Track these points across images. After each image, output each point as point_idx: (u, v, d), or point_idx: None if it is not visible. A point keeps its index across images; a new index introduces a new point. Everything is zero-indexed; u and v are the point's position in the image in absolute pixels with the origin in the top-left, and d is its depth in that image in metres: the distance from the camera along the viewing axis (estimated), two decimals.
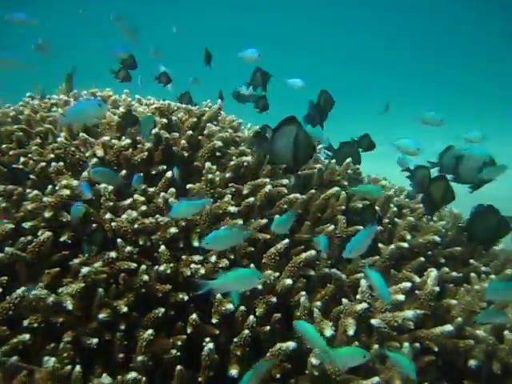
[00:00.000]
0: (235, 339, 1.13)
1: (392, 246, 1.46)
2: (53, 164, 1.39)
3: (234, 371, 1.09)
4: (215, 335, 1.17)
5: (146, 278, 1.12)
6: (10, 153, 1.53)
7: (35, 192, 1.25)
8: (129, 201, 1.32)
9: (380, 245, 1.51)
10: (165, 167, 1.55)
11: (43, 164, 1.41)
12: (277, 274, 1.24)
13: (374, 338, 1.22)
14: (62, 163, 1.41)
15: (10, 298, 0.99)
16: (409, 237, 1.56)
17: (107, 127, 1.65)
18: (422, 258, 1.50)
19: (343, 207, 1.62)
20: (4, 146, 1.56)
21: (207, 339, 1.13)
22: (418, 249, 1.58)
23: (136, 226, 1.21)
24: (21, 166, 1.42)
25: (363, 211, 1.68)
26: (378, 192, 1.72)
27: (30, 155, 1.47)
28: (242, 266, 1.29)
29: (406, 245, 1.51)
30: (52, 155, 1.45)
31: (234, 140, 1.87)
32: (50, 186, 1.29)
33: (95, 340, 1.02)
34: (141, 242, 1.21)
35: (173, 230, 1.24)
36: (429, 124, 2.81)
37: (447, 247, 1.69)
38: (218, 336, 1.19)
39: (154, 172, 1.56)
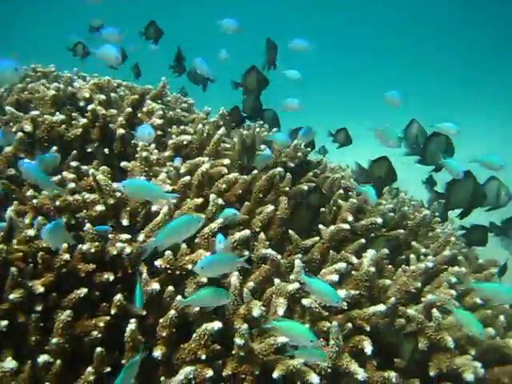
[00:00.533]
0: (161, 320, 1.09)
1: (332, 228, 1.45)
2: None
3: (157, 352, 1.06)
4: (142, 316, 1.13)
5: (66, 256, 1.07)
6: None
7: None
8: (56, 178, 1.26)
9: (321, 226, 1.50)
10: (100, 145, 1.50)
11: None
12: (208, 253, 1.21)
13: (306, 318, 1.20)
14: None
15: None
16: (350, 218, 1.54)
17: (41, 102, 1.57)
18: (363, 240, 1.49)
19: (287, 189, 1.60)
20: None
21: (132, 320, 1.09)
22: (360, 231, 1.57)
23: (58, 203, 1.15)
24: None
25: (309, 194, 1.67)
26: None
27: None
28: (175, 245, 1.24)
29: (347, 226, 1.50)
30: None
31: (179, 119, 1.82)
32: None
33: (4, 322, 0.96)
34: (64, 220, 1.15)
35: (99, 207, 1.18)
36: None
37: (392, 229, 1.70)
38: (147, 317, 1.15)
39: (89, 150, 1.49)
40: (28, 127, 1.38)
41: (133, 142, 1.53)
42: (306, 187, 1.67)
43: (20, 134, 1.32)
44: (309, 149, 2.01)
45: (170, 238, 1.03)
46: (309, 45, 2.79)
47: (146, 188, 1.13)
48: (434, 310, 1.23)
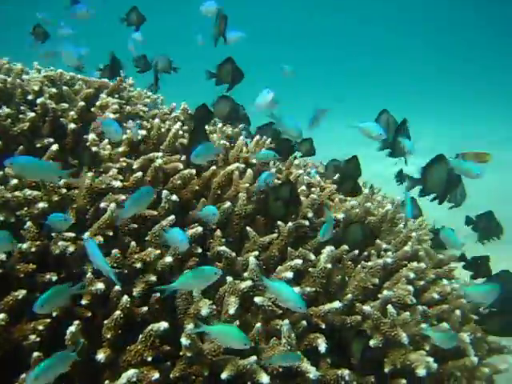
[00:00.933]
0: (105, 321, 1.05)
1: (290, 224, 1.42)
2: None
3: (100, 355, 1.01)
4: (87, 318, 1.08)
5: (1, 256, 1.01)
6: None
7: None
8: None
9: (279, 222, 1.47)
10: (51, 140, 1.43)
11: None
12: (158, 251, 1.16)
13: (259, 316, 1.17)
14: None
15: None
16: (310, 215, 1.52)
17: None
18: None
19: (247, 185, 1.57)
20: None
21: (76, 322, 1.04)
22: (319, 227, 1.55)
23: None
24: None
25: (272, 190, 1.64)
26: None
27: None
28: (124, 243, 1.20)
29: (306, 222, 1.48)
30: None
31: (138, 114, 1.76)
32: None
33: None
34: (1, 218, 1.09)
35: (42, 204, 1.13)
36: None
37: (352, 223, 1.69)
38: (94, 318, 1.10)
39: (38, 145, 1.43)
40: None
41: (85, 136, 1.47)
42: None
43: None
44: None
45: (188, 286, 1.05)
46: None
47: (38, 165, 1.07)
48: (389, 306, 1.21)
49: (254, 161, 1.74)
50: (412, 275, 1.38)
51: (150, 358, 1.02)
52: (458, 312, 1.35)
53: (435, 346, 1.20)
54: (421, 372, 1.10)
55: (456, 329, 1.33)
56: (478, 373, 1.35)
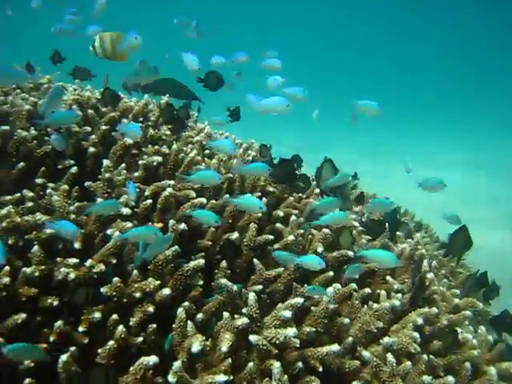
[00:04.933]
0: (99, 350, 1.07)
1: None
2: None
3: None
4: (83, 344, 1.10)
5: (6, 280, 1.06)
6: None
7: None
8: (14, 197, 1.26)
9: None
10: (72, 162, 1.49)
11: None
12: (157, 282, 1.18)
13: (253, 354, 1.16)
14: None
15: None
16: (320, 249, 1.50)
17: (18, 116, 1.58)
18: (331, 273, 1.44)
19: (260, 214, 1.57)
20: None
21: (72, 348, 1.07)
22: (330, 262, 1.52)
23: (4, 224, 1.14)
24: None
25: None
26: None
27: None
28: (124, 271, 1.22)
29: None
30: None
31: (161, 138, 1.81)
32: None
33: None
34: (10, 242, 1.14)
35: (49, 230, 1.17)
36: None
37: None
38: (92, 345, 1.13)
39: (60, 167, 1.49)
40: None
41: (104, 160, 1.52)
42: (281, 213, 1.63)
43: None
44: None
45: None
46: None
47: None
48: (389, 355, 1.17)
49: (271, 189, 1.74)
50: (420, 321, 1.32)
51: None
52: (468, 364, 1.28)
53: None
54: None
55: (465, 383, 1.26)
56: None
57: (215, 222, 1.30)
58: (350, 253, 1.51)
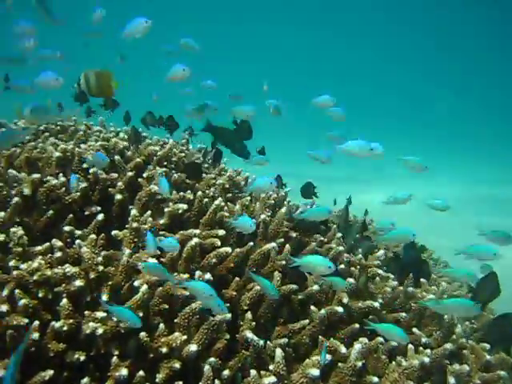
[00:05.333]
0: None
1: (323, 311, 1.38)
2: None
3: None
4: None
5: (35, 335, 1.06)
6: None
7: None
8: (43, 247, 1.27)
9: (312, 308, 1.43)
10: (99, 208, 1.51)
11: None
12: (184, 337, 1.17)
13: None
14: None
15: None
16: (346, 300, 1.47)
17: (48, 163, 1.61)
18: (357, 325, 1.41)
19: (283, 262, 1.56)
20: None
21: None
22: (356, 313, 1.50)
23: (36, 277, 1.15)
24: None
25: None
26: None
27: None
28: (152, 324, 1.22)
29: (340, 309, 1.43)
30: None
31: (184, 182, 1.82)
32: None
33: None
34: (40, 295, 1.15)
35: (78, 282, 1.17)
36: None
37: (392, 311, 1.62)
38: None
39: (87, 213, 1.51)
40: (27, 190, 1.41)
41: (130, 207, 1.53)
42: None
43: (16, 199, 1.35)
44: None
45: None
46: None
47: None
48: None
49: (294, 235, 1.74)
50: (452, 381, 1.28)
51: None
52: None
53: None
54: None
55: None
56: None
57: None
58: (376, 304, 1.49)
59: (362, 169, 7.07)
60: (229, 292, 1.40)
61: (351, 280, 1.53)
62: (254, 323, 1.33)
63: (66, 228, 1.39)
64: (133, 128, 1.82)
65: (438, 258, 2.95)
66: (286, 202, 1.91)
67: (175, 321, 1.22)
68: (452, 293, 2.05)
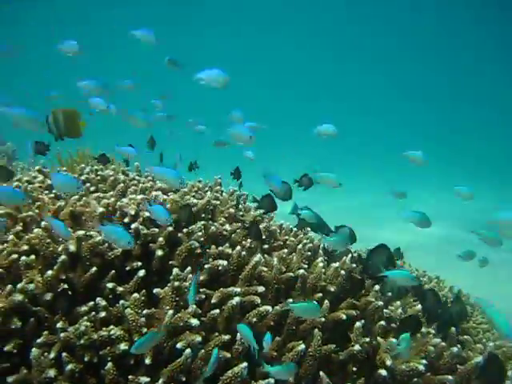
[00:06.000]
0: None
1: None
2: (22, 258, 1.38)
3: None
4: None
5: None
6: None
7: None
8: (88, 306, 1.29)
9: (354, 369, 1.40)
10: (139, 264, 1.53)
11: (15, 256, 1.41)
12: None
13: None
14: (33, 257, 1.41)
15: None
16: (389, 362, 1.43)
17: (91, 217, 1.65)
18: None
19: (323, 319, 1.53)
20: None
21: None
22: (399, 376, 1.45)
23: (82, 341, 1.16)
24: None
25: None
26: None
27: (5, 244, 1.48)
28: None
29: (384, 373, 1.39)
30: (26, 247, 1.45)
31: (222, 235, 1.83)
32: (9, 286, 1.27)
33: None
34: (86, 359, 1.15)
35: (123, 346, 1.18)
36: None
37: (438, 374, 1.56)
38: None
39: (128, 268, 1.53)
40: (72, 248, 1.45)
41: (170, 262, 1.55)
42: (344, 316, 1.59)
43: (63, 257, 1.38)
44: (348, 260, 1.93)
45: None
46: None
47: None
48: None
49: (332, 289, 1.71)
50: None
51: None
52: None
53: None
54: None
55: None
56: None
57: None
58: (421, 367, 1.44)
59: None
60: (270, 352, 1.38)
61: (394, 340, 1.48)
62: None
63: (109, 285, 1.41)
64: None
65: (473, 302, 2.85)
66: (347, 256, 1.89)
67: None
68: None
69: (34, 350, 1.12)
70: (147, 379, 1.15)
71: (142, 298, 1.38)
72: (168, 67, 3.01)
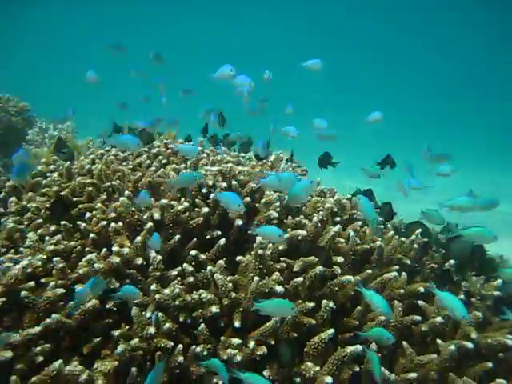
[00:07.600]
0: None
1: (452, 347, 1.32)
2: (112, 225, 1.45)
3: None
4: None
5: (180, 359, 1.11)
6: (80, 206, 1.63)
7: (88, 257, 1.30)
8: (176, 271, 1.33)
9: (438, 341, 1.38)
10: (219, 233, 1.56)
11: (104, 223, 1.47)
12: (317, 368, 1.17)
13: None
14: (120, 223, 1.47)
15: (47, 370, 1.02)
16: (474, 336, 1.40)
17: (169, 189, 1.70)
18: (490, 364, 1.34)
19: (402, 291, 1.52)
20: (75, 199, 1.66)
21: None
22: (485, 350, 1.41)
23: (177, 302, 1.21)
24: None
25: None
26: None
27: (94, 212, 1.55)
28: (282, 352, 1.23)
29: (470, 345, 1.36)
30: (113, 214, 1.52)
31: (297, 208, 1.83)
32: (104, 249, 1.34)
33: None
34: (181, 319, 1.20)
35: (214, 309, 1.21)
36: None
37: None
38: None
39: (208, 237, 1.56)
40: (157, 215, 1.49)
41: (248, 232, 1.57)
42: (422, 289, 1.56)
43: (149, 224, 1.43)
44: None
45: None
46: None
47: None
48: None
49: (408, 262, 1.69)
50: None
51: None
52: None
53: None
54: None
55: None
56: None
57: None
58: (510, 342, 1.39)
59: None
60: (351, 321, 1.39)
61: (480, 314, 1.45)
62: (379, 354, 1.30)
63: (192, 252, 1.45)
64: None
65: None
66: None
67: (305, 350, 1.23)
68: None
69: (134, 308, 1.18)
70: (239, 341, 1.18)
71: (224, 265, 1.41)
72: (154, 63, 3.09)
